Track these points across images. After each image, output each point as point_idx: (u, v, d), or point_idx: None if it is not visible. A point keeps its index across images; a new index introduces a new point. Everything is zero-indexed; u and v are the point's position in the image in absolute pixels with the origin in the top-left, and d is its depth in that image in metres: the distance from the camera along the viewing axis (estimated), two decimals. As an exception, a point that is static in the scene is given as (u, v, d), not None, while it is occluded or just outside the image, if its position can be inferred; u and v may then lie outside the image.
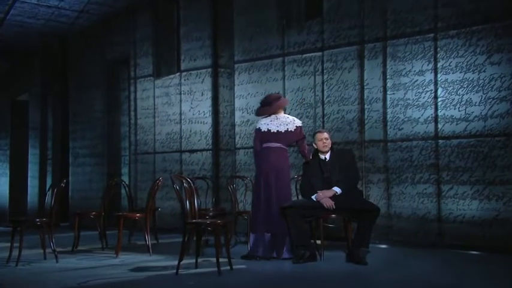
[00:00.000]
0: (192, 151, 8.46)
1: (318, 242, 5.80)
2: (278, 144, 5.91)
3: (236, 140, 8.08)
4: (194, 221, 5.02)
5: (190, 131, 8.49)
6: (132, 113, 9.19)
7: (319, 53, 7.38)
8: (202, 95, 8.38)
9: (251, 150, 7.88)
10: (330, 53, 7.31)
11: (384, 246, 6.70)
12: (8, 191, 10.90)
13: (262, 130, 5.92)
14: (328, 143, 5.83)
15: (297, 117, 7.48)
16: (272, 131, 5.92)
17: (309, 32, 7.49)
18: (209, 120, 8.31)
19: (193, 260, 5.20)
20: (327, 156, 5.87)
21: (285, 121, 6.00)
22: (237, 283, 4.69)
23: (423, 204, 6.57)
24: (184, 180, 5.15)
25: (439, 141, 6.50)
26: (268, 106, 6.01)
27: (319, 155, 5.88)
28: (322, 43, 7.37)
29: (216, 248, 4.95)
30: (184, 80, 8.58)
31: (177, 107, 8.64)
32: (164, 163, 8.76)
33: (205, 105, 8.35)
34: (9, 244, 5.80)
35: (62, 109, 10.28)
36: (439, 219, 6.46)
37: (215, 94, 8.30)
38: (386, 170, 6.84)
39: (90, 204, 8.97)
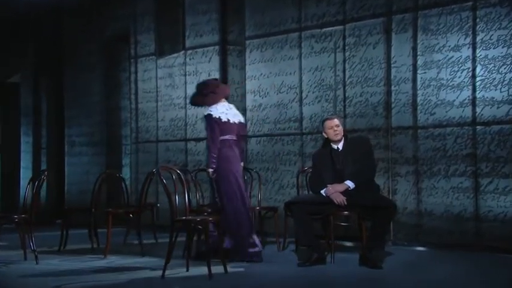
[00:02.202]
0: (198, 139, 8.43)
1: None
2: (235, 137, 5.97)
3: (248, 127, 8.01)
4: (184, 218, 5.01)
5: (196, 117, 8.44)
6: (133, 97, 9.21)
7: (341, 27, 7.25)
8: (209, 76, 8.29)
9: (264, 138, 7.86)
10: (352, 26, 7.17)
11: (412, 248, 6.58)
12: (-1, 183, 11.10)
13: (223, 120, 5.88)
14: (340, 130, 5.76)
15: (315, 101, 7.48)
16: (231, 121, 5.95)
17: (328, 3, 7.35)
18: (217, 104, 8.25)
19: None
20: (340, 145, 5.80)
21: (237, 112, 6.09)
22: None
23: (458, 201, 6.42)
24: (173, 172, 5.12)
25: (477, 127, 6.33)
26: (213, 94, 5.96)
27: (331, 145, 5.80)
28: (343, 15, 7.23)
29: (206, 248, 4.95)
30: (190, 59, 8.54)
31: (182, 90, 8.61)
32: (168, 153, 8.76)
33: (213, 88, 8.29)
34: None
35: (57, 92, 10.36)
36: (477, 217, 6.29)
37: (223, 75, 8.23)
38: (416, 161, 6.70)
39: (89, 199, 9.02)
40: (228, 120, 5.92)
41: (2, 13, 9.95)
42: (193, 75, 8.48)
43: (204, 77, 8.36)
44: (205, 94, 6.01)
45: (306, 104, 7.51)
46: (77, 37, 10.10)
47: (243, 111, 8.05)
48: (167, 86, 8.79)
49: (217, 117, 5.85)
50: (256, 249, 5.80)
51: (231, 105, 6.12)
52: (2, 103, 11.29)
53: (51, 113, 10.43)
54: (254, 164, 7.82)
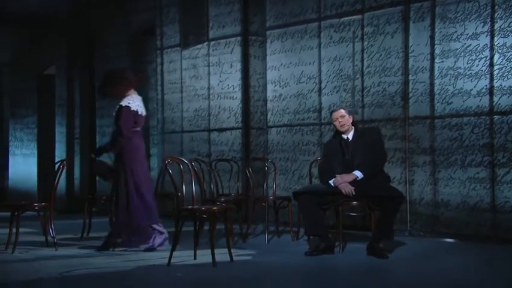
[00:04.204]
0: (220, 130, 8.54)
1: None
2: (140, 129, 6.08)
3: (268, 117, 8.08)
4: (190, 207, 5.12)
5: (219, 108, 8.56)
6: (159, 88, 9.36)
7: (359, 16, 7.22)
8: (231, 67, 8.41)
9: (284, 128, 7.90)
10: (371, 15, 7.13)
11: (429, 238, 6.54)
12: (36, 172, 11.44)
13: (139, 113, 5.97)
14: (345, 120, 5.77)
15: (333, 91, 7.48)
16: (143, 114, 6.05)
17: (348, -8, 7.34)
18: (238, 95, 8.34)
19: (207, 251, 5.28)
20: (350, 135, 5.82)
21: (143, 104, 6.14)
22: (227, 276, 4.79)
23: (475, 191, 6.34)
24: (180, 162, 5.24)
25: (495, 117, 6.24)
26: (128, 84, 6.00)
27: (341, 135, 5.82)
28: (362, 4, 7.19)
29: (211, 237, 5.08)
30: (213, 50, 8.63)
31: (205, 81, 8.71)
32: (192, 143, 8.89)
33: (235, 79, 8.38)
34: (27, 229, 6.36)
35: (89, 84, 10.63)
36: (493, 208, 6.22)
37: (245, 66, 8.31)
38: (432, 151, 6.64)
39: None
40: (142, 113, 6.04)
41: (37, 9, 10.27)
42: (216, 66, 8.58)
43: (226, 68, 8.47)
44: (120, 84, 6.02)
45: (325, 94, 7.52)
46: (106, 30, 10.34)
47: (263, 101, 8.17)
48: (191, 77, 8.91)
49: (135, 110, 5.94)
50: (163, 237, 5.99)
51: (139, 97, 6.18)
52: (39, 94, 11.64)
53: (83, 103, 10.71)
54: (274, 154, 7.90)
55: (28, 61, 11.71)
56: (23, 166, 11.83)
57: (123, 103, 5.92)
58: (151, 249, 5.87)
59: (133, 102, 5.97)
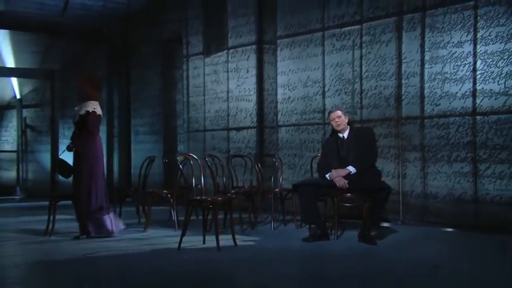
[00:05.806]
0: (238, 129, 8.85)
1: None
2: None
3: (278, 118, 8.34)
4: (198, 198, 5.43)
5: (237, 109, 8.87)
6: (185, 91, 9.74)
7: (358, 26, 7.42)
8: (247, 72, 8.71)
9: (292, 127, 8.15)
10: (368, 25, 7.33)
11: (419, 227, 6.72)
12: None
13: (101, 116, 6.24)
14: (342, 120, 6.00)
15: (335, 93, 7.70)
16: (101, 115, 6.28)
17: (348, 4, 7.53)
18: (254, 97, 8.63)
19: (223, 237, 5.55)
20: (345, 134, 6.05)
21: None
22: (228, 258, 5.08)
23: (459, 184, 6.51)
24: (191, 159, 5.56)
25: (477, 117, 6.39)
26: (100, 91, 6.33)
27: (337, 133, 6.06)
28: (361, 15, 7.40)
29: (215, 224, 5.36)
30: (231, 57, 8.95)
31: (225, 85, 9.04)
32: (213, 141, 9.23)
33: (250, 83, 8.68)
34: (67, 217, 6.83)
35: (126, 88, 11.08)
36: (476, 200, 6.38)
37: (260, 71, 8.60)
38: (422, 148, 6.82)
39: (151, 182, 9.62)
40: (102, 115, 6.29)
41: (79, 21, 10.76)
42: (234, 71, 8.90)
43: (243, 73, 8.77)
44: (97, 89, 6.29)
45: (328, 96, 7.75)
46: (140, 40, 10.77)
47: (276, 103, 8.44)
48: (212, 82, 9.25)
49: (100, 114, 6.21)
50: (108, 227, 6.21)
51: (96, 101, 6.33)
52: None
53: (121, 105, 11.17)
54: (283, 151, 8.17)
55: (75, 68, 12.22)
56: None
57: (90, 109, 6.10)
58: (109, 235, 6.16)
59: (98, 108, 6.21)
